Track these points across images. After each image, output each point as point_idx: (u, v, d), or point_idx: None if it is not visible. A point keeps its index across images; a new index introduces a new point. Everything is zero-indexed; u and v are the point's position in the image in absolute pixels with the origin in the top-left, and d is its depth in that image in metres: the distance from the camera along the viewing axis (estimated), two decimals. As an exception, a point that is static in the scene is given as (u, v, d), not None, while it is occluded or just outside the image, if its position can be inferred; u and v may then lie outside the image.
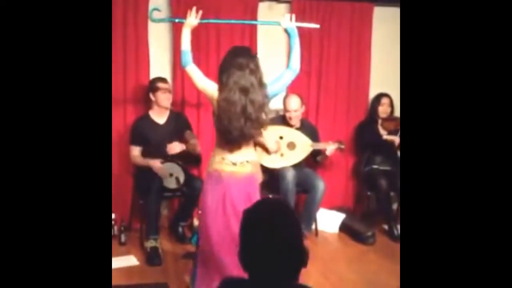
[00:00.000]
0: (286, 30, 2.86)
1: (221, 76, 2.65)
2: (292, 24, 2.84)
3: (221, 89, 2.64)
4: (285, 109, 4.09)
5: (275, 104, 4.36)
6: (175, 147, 3.81)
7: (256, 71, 2.63)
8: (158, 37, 4.18)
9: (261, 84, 2.64)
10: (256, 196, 2.70)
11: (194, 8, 2.81)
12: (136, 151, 3.86)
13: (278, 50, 4.37)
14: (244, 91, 2.58)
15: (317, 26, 3.23)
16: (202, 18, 2.82)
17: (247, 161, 2.71)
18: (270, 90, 2.69)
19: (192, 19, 2.82)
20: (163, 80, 3.93)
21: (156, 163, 3.71)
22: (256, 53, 2.78)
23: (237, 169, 2.68)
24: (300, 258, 1.36)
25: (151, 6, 4.05)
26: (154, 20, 3.16)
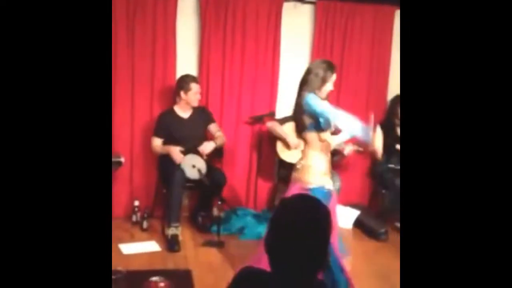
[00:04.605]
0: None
1: None
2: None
3: None
4: None
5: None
6: (207, 147, 3.93)
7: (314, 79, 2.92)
8: (185, 31, 4.32)
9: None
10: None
11: None
12: (157, 141, 3.99)
13: (301, 50, 4.52)
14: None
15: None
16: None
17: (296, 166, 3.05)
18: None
19: None
20: (196, 80, 4.04)
21: (175, 149, 3.85)
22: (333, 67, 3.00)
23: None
24: (322, 261, 1.39)
25: (179, 3, 4.21)
26: None
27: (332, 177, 4.14)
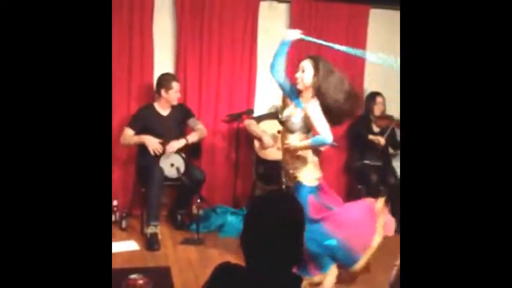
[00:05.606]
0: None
1: None
2: None
3: None
4: None
5: (275, 101, 4.58)
6: (173, 146, 3.92)
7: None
8: (161, 28, 4.33)
9: None
10: None
11: None
12: (129, 131, 3.95)
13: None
14: None
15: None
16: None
17: None
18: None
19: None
20: (176, 79, 4.05)
21: (150, 138, 3.86)
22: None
23: None
24: (298, 255, 1.42)
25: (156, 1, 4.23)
26: None
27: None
